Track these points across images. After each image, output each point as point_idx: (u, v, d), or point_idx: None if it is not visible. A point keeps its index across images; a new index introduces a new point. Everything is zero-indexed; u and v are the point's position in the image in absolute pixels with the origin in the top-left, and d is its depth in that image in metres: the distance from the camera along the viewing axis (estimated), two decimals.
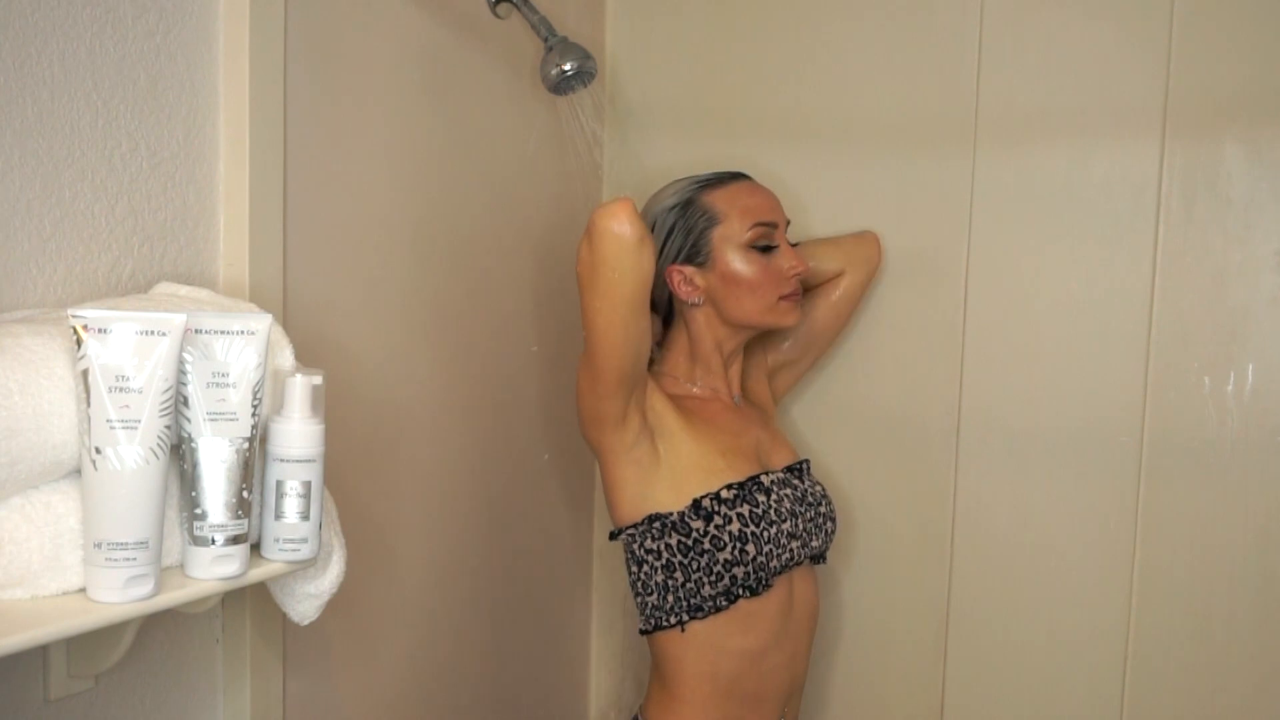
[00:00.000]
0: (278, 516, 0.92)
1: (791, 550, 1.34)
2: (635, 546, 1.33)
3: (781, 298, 1.38)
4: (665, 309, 1.44)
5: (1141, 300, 1.41)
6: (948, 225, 1.51)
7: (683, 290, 1.38)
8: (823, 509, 1.41)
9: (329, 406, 0.96)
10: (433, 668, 1.44)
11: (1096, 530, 1.45)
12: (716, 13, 1.66)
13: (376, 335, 1.31)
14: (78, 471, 0.83)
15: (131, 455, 0.81)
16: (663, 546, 1.31)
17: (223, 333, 0.88)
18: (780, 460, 1.42)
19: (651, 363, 1.40)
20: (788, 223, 1.43)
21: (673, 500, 1.31)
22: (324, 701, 1.27)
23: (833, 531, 1.43)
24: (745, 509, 1.30)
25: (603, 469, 1.35)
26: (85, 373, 0.81)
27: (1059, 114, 1.44)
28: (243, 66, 1.08)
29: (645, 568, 1.33)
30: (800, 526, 1.36)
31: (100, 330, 0.81)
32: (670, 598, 1.31)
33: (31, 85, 0.92)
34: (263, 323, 0.90)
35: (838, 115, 1.58)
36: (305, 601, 1.01)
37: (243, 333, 0.89)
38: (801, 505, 1.37)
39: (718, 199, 1.38)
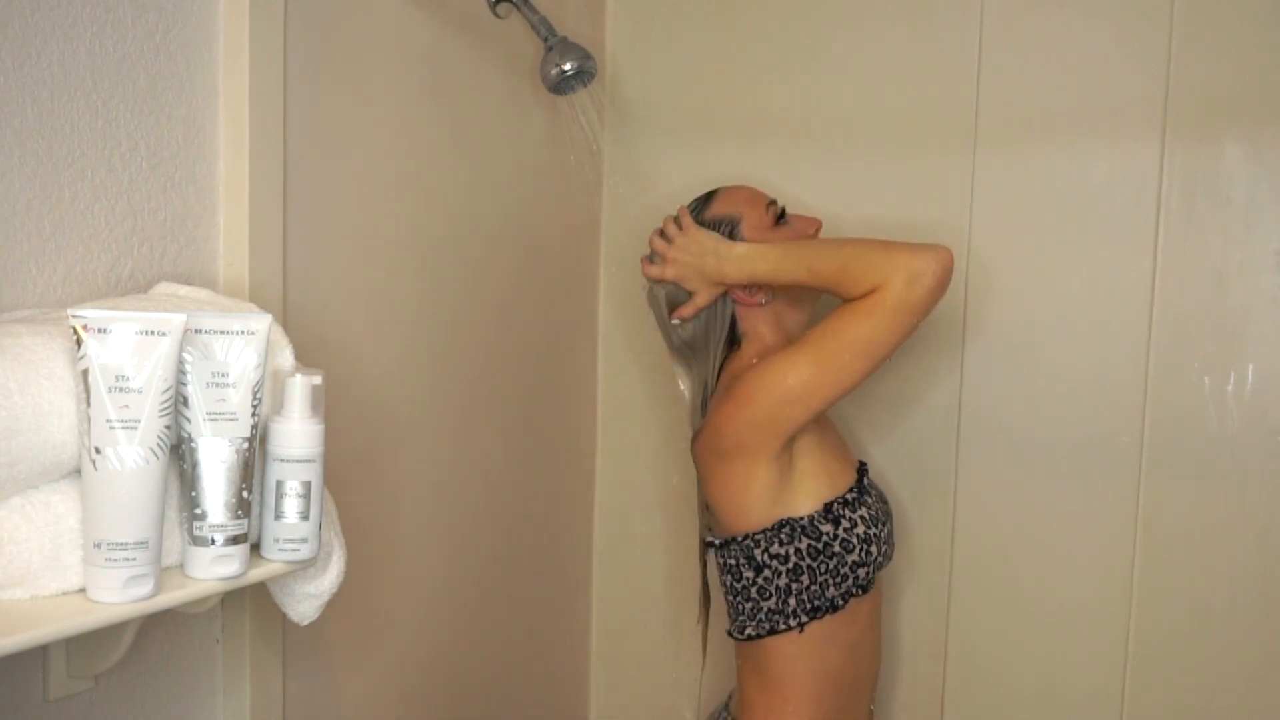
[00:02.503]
0: (278, 516, 0.92)
1: (891, 547, 1.37)
2: (757, 552, 1.30)
3: None
4: (727, 336, 1.40)
5: (1141, 300, 1.41)
6: (948, 225, 1.51)
7: (751, 297, 1.36)
8: (888, 507, 1.42)
9: (329, 406, 0.96)
10: (433, 668, 1.44)
11: (1096, 530, 1.45)
12: (716, 13, 1.65)
13: (376, 335, 1.31)
14: (77, 471, 0.83)
15: (131, 455, 0.81)
16: (791, 551, 1.29)
17: (223, 333, 0.88)
18: (853, 459, 1.41)
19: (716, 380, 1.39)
20: None
21: (804, 504, 1.29)
22: (324, 701, 1.27)
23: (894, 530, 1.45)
24: (864, 511, 1.31)
25: (724, 481, 1.31)
26: (85, 373, 0.81)
27: (1059, 114, 1.44)
28: (243, 66, 1.08)
29: (766, 572, 1.30)
30: (892, 525, 1.39)
31: (100, 330, 0.81)
32: (792, 601, 1.30)
33: (31, 85, 0.92)
34: (263, 323, 0.90)
35: (838, 115, 1.58)
36: (305, 601, 1.01)
37: (243, 333, 0.89)
38: (884, 504, 1.40)
39: (718, 207, 1.39)
